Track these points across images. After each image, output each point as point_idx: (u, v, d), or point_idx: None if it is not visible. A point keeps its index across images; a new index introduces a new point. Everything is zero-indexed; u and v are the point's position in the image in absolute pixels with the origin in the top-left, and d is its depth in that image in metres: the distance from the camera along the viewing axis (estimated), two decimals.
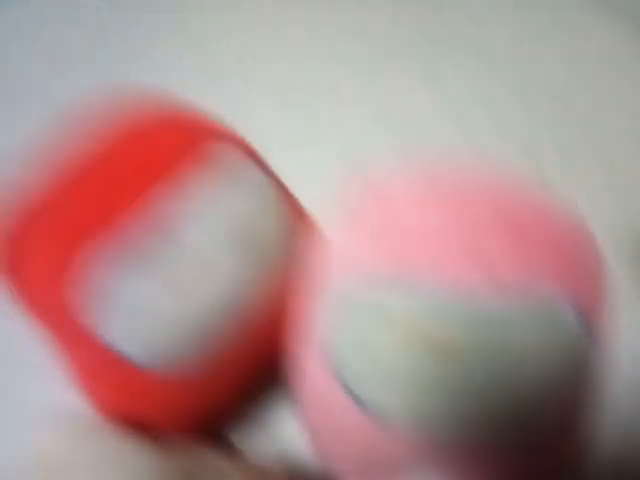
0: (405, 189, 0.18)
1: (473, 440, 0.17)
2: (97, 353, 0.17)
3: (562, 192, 0.20)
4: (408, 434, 0.17)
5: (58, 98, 0.25)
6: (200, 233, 0.17)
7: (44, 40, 0.44)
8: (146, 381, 0.18)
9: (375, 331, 0.17)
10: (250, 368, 0.20)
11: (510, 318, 0.16)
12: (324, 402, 0.19)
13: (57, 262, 0.17)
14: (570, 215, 0.18)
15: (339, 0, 0.44)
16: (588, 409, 0.18)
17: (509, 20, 0.43)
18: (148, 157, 0.18)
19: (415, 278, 0.16)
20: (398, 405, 0.17)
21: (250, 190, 0.19)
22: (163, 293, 0.17)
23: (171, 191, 0.17)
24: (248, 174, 0.19)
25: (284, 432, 0.24)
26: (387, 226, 0.18)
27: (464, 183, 0.18)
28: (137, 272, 0.17)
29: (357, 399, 0.17)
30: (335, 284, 0.18)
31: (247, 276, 0.18)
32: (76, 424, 0.19)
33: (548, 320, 0.16)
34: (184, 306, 0.17)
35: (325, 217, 0.20)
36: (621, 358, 0.19)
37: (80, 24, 0.45)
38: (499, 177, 0.19)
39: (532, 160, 0.35)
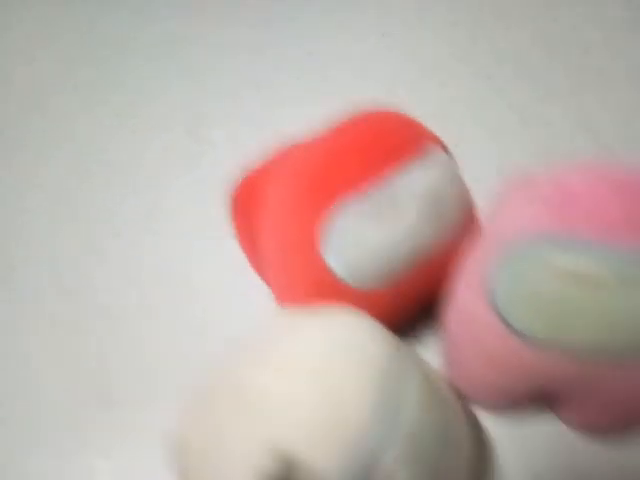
0: (578, 174, 0.23)
1: (603, 358, 0.22)
2: (319, 273, 0.26)
3: None
4: (549, 350, 0.22)
5: None
6: (410, 199, 0.25)
7: None
8: (347, 292, 0.26)
9: (535, 273, 0.22)
10: (422, 293, 0.28)
11: None
12: (478, 328, 0.24)
13: (317, 205, 0.25)
14: None
15: None
16: None
17: None
18: (388, 145, 0.26)
19: (575, 238, 0.21)
20: (545, 328, 0.22)
21: (445, 173, 0.27)
22: (379, 237, 0.25)
23: (399, 171, 0.26)
24: (445, 162, 0.27)
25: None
26: (556, 196, 0.23)
27: (629, 172, 0.23)
28: (365, 221, 0.25)
29: (508, 324, 0.23)
30: (502, 236, 0.23)
31: (433, 227, 0.26)
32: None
33: None
34: (389, 244, 0.25)
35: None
36: None
37: None
38: None
39: None
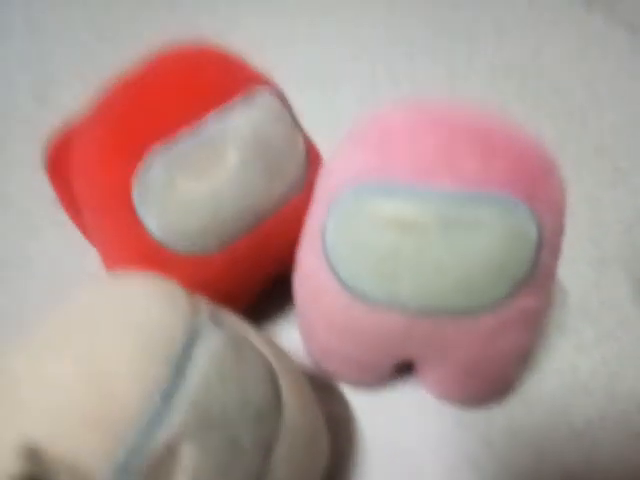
0: (399, 112, 0.21)
1: (436, 311, 0.20)
2: (138, 237, 0.22)
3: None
4: (381, 308, 0.21)
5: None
6: (231, 143, 0.22)
7: None
8: (173, 259, 0.22)
9: (359, 224, 0.20)
10: (260, 257, 0.25)
11: (467, 204, 0.19)
12: (317, 290, 0.22)
13: (126, 158, 0.21)
14: (533, 137, 0.21)
15: None
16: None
17: None
18: (206, 85, 0.23)
19: (396, 182, 0.20)
20: (374, 280, 0.20)
21: (273, 115, 0.24)
22: (198, 189, 0.22)
23: (219, 114, 0.22)
24: (274, 107, 0.24)
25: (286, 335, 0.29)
26: (379, 143, 0.21)
27: (450, 111, 0.21)
28: (180, 172, 0.21)
29: (341, 281, 0.21)
30: (329, 185, 0.22)
31: (262, 176, 0.23)
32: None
33: (500, 208, 0.19)
34: (210, 197, 0.22)
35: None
36: None
37: None
38: (481, 108, 0.22)
39: None
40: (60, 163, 0.25)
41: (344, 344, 0.23)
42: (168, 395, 0.15)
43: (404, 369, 0.26)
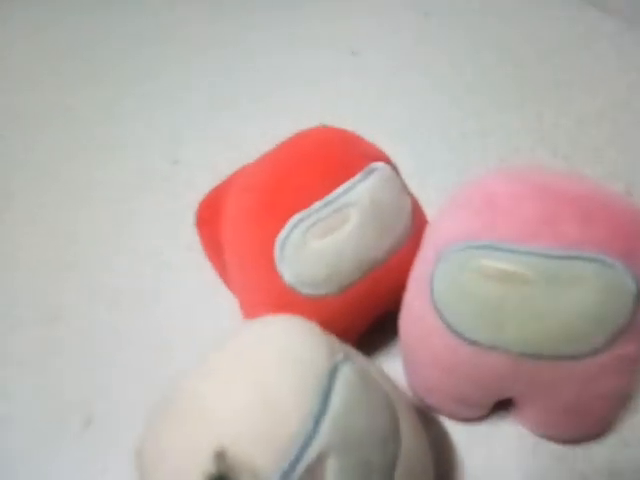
0: (501, 178, 0.25)
1: (538, 355, 0.23)
2: (275, 284, 0.27)
3: None
4: (485, 349, 0.24)
5: None
6: (353, 210, 0.27)
7: None
8: (301, 301, 0.27)
9: (467, 276, 0.23)
10: (371, 299, 0.29)
11: (567, 261, 0.22)
12: (424, 332, 0.26)
13: (271, 225, 0.27)
14: (627, 201, 0.23)
15: None
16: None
17: None
18: (334, 164, 0.28)
19: (501, 241, 0.23)
20: (479, 326, 0.23)
21: (386, 186, 0.29)
22: (325, 246, 0.27)
23: (345, 188, 0.28)
24: (387, 177, 0.29)
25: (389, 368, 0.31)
26: (480, 201, 0.24)
27: (545, 178, 0.24)
28: (312, 234, 0.27)
29: (450, 326, 0.24)
30: (436, 242, 0.25)
31: (375, 234, 0.28)
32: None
33: (597, 265, 0.22)
34: (333, 251, 0.27)
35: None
36: None
37: None
38: (574, 175, 0.25)
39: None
40: (208, 219, 0.32)
41: (449, 382, 0.26)
42: (318, 418, 0.19)
43: (503, 404, 0.28)
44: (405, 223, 0.29)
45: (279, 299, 0.27)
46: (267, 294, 0.28)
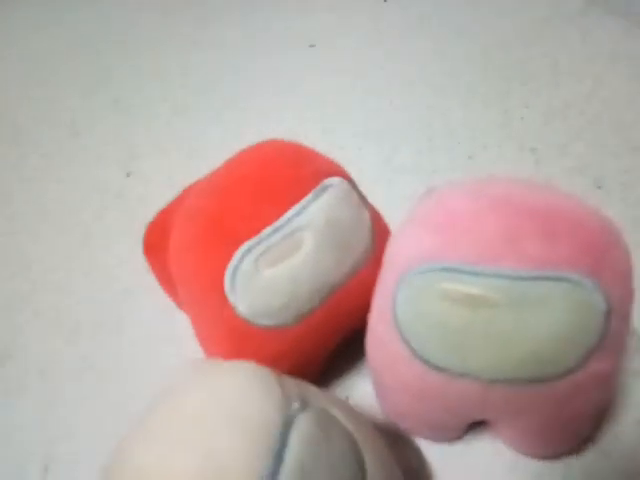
0: (462, 198, 0.23)
1: (509, 380, 0.21)
2: (226, 314, 0.25)
3: None
4: (454, 376, 0.22)
5: None
6: (307, 232, 0.25)
7: None
8: (256, 332, 0.25)
9: (428, 301, 0.22)
10: (333, 325, 0.27)
11: (533, 282, 0.20)
12: (390, 358, 0.24)
13: (219, 254, 0.25)
14: (595, 212, 0.22)
15: None
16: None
17: None
18: (284, 185, 0.26)
19: (462, 263, 0.21)
20: (445, 352, 0.22)
21: (343, 203, 0.27)
22: (279, 274, 0.25)
23: (296, 210, 0.25)
24: (343, 192, 0.27)
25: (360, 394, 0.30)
26: (443, 225, 0.22)
27: (511, 191, 0.22)
28: (264, 261, 0.25)
29: (414, 352, 0.23)
30: (396, 264, 0.23)
31: (333, 257, 0.26)
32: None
33: (565, 285, 0.20)
34: (288, 278, 0.25)
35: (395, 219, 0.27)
36: None
37: None
38: (542, 185, 0.23)
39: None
40: (155, 245, 0.29)
41: (419, 408, 0.25)
42: (274, 467, 0.17)
43: (479, 425, 0.27)
44: (365, 242, 0.27)
45: (233, 332, 0.25)
46: (220, 327, 0.26)
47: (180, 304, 0.31)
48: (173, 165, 0.45)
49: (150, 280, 0.32)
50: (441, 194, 0.23)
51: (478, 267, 0.21)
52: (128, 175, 0.46)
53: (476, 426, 0.28)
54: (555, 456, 0.27)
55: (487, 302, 0.21)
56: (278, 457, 0.18)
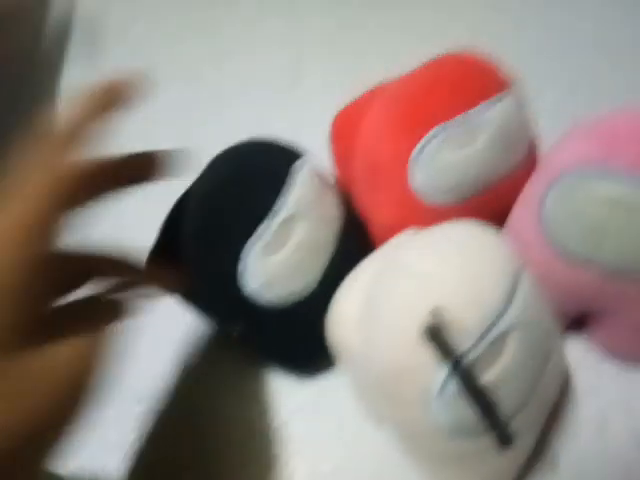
0: (623, 115, 0.28)
1: (629, 272, 0.26)
2: (404, 190, 0.32)
3: None
4: (582, 265, 0.27)
5: None
6: (484, 132, 0.31)
7: None
8: (427, 209, 0.32)
9: (578, 197, 0.27)
10: (486, 210, 0.33)
11: None
12: (525, 240, 0.30)
13: (412, 134, 0.31)
14: None
15: None
16: None
17: None
18: (473, 85, 0.32)
19: (616, 170, 0.26)
20: (580, 242, 0.27)
21: (514, 112, 0.32)
22: (456, 157, 0.31)
23: (481, 109, 0.31)
24: (516, 105, 0.33)
25: None
26: (604, 139, 0.27)
27: None
28: (447, 146, 0.31)
29: (550, 238, 0.28)
30: (555, 166, 0.29)
31: (500, 156, 0.32)
32: None
33: None
34: (463, 166, 0.31)
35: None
36: None
37: None
38: None
39: None
40: (341, 128, 0.37)
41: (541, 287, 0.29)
42: (509, 299, 0.24)
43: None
44: (523, 149, 0.33)
45: (405, 204, 0.32)
46: (395, 198, 0.32)
47: (352, 185, 0.36)
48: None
49: None
50: (605, 114, 0.28)
51: (631, 175, 0.25)
52: None
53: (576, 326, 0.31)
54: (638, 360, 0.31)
55: (629, 206, 0.25)
56: (515, 284, 0.25)
